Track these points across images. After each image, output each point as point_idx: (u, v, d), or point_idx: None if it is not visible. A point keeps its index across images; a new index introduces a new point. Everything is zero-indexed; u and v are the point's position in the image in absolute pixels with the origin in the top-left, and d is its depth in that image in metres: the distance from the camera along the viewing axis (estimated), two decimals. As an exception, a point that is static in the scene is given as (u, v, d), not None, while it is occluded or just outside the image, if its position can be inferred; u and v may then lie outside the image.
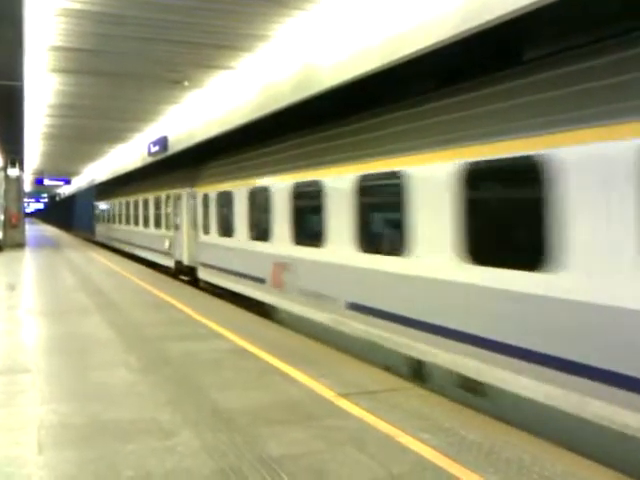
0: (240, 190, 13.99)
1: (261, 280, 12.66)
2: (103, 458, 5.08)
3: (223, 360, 8.50)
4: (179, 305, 13.34)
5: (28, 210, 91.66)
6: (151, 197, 24.83)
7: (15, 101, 16.64)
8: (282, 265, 11.59)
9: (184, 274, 19.76)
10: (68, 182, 52.23)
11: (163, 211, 22.65)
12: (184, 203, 19.48)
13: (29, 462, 5.05)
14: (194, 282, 18.33)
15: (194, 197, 18.28)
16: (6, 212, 34.21)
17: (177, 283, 18.04)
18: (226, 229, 15.00)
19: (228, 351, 9.04)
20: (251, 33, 10.86)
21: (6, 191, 34.21)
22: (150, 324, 11.19)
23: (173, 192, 20.98)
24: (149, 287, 16.57)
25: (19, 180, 34.98)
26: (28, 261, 26.32)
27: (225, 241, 15.09)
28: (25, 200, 46.25)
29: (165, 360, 8.50)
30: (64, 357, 8.73)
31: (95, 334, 10.29)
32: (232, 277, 14.64)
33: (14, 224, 34.26)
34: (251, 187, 13.28)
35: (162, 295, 14.94)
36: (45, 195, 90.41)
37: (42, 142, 27.63)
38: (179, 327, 10.95)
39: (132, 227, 29.60)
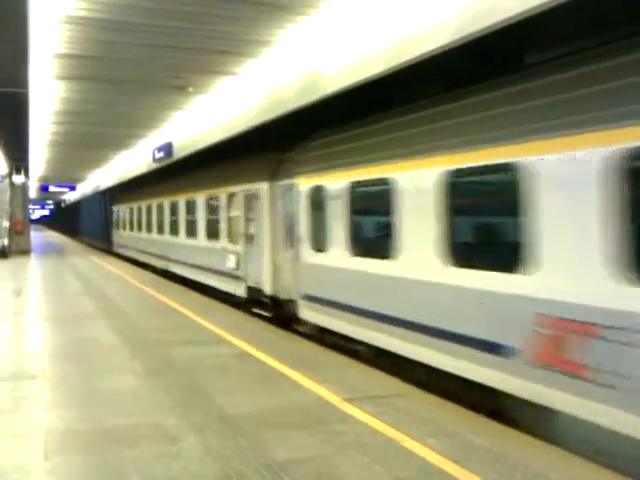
0: (419, 175, 7.84)
1: (495, 348, 6.51)
2: (109, 464, 5.08)
3: (228, 365, 8.50)
4: (182, 309, 13.34)
5: (33, 217, 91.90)
6: (201, 198, 18.27)
7: (20, 108, 16.70)
8: (581, 328, 5.50)
9: (264, 307, 13.39)
10: (73, 188, 52.35)
11: (223, 216, 16.20)
12: (265, 204, 13.36)
13: (35, 468, 5.05)
14: (284, 321, 12.16)
15: (287, 193, 12.33)
16: (11, 219, 34.32)
17: (179, 287, 18.03)
18: (375, 244, 9.16)
19: (233, 356, 9.04)
20: (255, 39, 10.87)
21: (11, 198, 34.34)
22: (154, 329, 11.20)
23: (242, 189, 14.73)
24: (153, 292, 16.59)
25: (24, 187, 35.12)
26: (34, 267, 26.38)
27: (374, 266, 8.86)
28: (30, 207, 46.35)
29: (170, 365, 8.50)
30: (70, 363, 8.74)
31: (101, 340, 10.30)
32: (394, 330, 8.33)
33: (19, 231, 34.37)
34: (457, 167, 7.22)
35: (165, 299, 14.95)
36: (50, 202, 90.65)
37: (47, 149, 27.69)
38: (183, 332, 10.95)
39: (169, 237, 22.49)
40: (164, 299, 15.25)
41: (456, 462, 5.04)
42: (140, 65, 12.76)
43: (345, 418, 6.20)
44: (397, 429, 5.83)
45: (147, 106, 17.28)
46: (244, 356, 9.01)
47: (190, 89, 14.86)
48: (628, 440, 5.15)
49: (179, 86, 14.57)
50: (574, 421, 5.78)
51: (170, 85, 14.48)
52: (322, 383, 7.42)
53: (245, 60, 12.29)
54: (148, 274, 22.80)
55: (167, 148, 21.71)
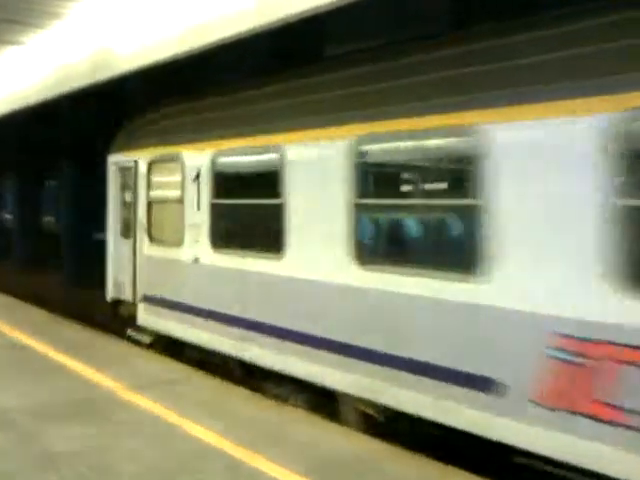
0: None
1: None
2: None
3: (1, 357, 8.01)
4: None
5: None
6: None
7: None
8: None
9: None
10: None
11: None
12: None
13: None
14: None
15: None
16: None
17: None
18: None
19: (7, 347, 8.53)
20: (43, 9, 10.24)
21: None
22: None
23: None
24: None
25: None
26: None
27: None
28: None
29: None
30: None
31: None
32: None
33: None
34: None
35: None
36: None
37: None
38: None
39: None
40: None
41: (232, 441, 5.21)
42: None
43: (126, 406, 6.15)
44: (177, 413, 5.91)
45: None
46: (20, 347, 8.51)
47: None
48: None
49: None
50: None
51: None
52: (104, 372, 7.28)
53: (33, 30, 11.54)
54: None
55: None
